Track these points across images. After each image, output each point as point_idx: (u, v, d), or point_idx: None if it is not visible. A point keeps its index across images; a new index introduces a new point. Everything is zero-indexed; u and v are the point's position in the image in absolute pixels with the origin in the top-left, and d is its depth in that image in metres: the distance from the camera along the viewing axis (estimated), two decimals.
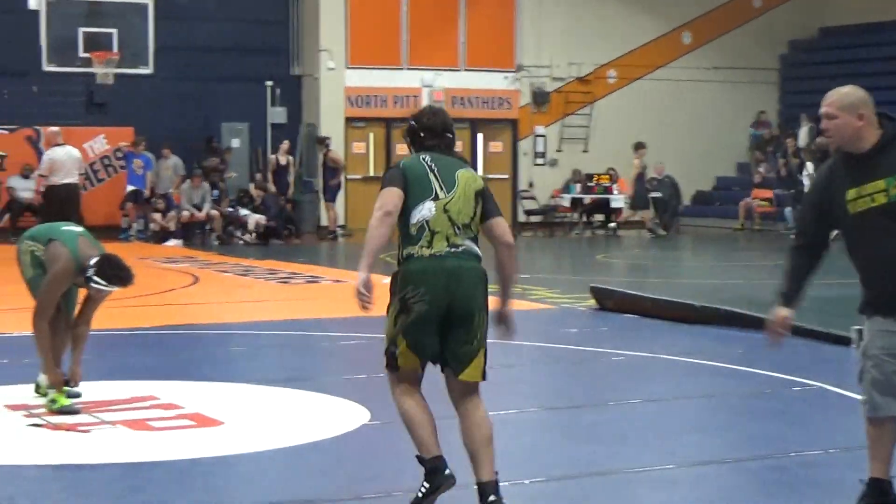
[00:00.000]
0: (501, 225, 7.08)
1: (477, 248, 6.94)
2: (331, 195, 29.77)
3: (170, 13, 29.84)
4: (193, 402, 9.65)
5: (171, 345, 13.15)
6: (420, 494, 6.86)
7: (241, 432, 8.71)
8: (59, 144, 25.05)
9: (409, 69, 32.67)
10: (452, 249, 6.84)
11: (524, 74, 33.74)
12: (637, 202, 31.49)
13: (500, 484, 6.80)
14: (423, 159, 7.01)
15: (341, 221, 30.05)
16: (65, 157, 24.93)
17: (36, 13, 27.61)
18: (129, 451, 8.18)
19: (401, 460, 7.97)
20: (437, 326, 6.83)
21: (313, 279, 19.79)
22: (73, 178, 24.87)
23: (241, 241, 27.58)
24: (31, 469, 7.74)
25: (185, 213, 28.07)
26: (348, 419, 9.11)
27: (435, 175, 6.94)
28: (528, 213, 33.02)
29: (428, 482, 6.86)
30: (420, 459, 6.91)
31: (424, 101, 32.39)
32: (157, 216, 28.43)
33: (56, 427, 8.79)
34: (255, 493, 7.20)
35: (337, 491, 7.27)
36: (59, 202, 24.53)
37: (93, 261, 9.10)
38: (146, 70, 28.39)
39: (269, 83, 31.88)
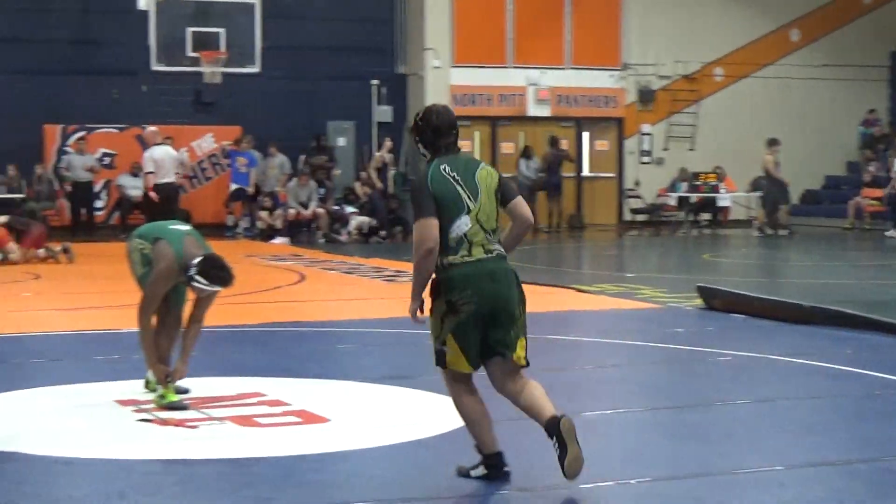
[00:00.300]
0: (522, 205, 7.48)
1: (503, 249, 7.41)
2: None
3: (277, 12, 30.09)
4: (299, 399, 9.71)
5: (278, 342, 13.25)
6: (470, 472, 7.35)
7: (347, 429, 8.76)
8: (158, 144, 25.33)
9: (514, 67, 32.65)
10: (487, 255, 7.27)
11: (630, 73, 33.61)
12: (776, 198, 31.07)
13: (606, 483, 6.77)
14: (445, 170, 7.33)
15: None
16: (164, 157, 25.24)
17: (145, 13, 27.98)
18: (237, 446, 8.25)
19: (506, 458, 7.98)
20: (482, 326, 7.26)
21: None
22: (171, 177, 25.15)
23: (341, 240, 27.68)
24: (140, 464, 7.82)
25: (292, 211, 28.26)
26: (451, 417, 9.10)
27: (461, 187, 7.30)
28: (634, 211, 32.88)
29: (487, 470, 7.32)
30: (479, 452, 7.34)
31: (530, 100, 32.43)
32: (264, 214, 28.65)
33: (165, 422, 8.89)
34: (359, 490, 7.24)
35: (439, 488, 7.29)
36: (160, 200, 24.85)
37: (196, 260, 9.19)
38: (253, 69, 28.65)
39: (375, 82, 32.03)
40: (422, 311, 7.35)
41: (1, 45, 29.46)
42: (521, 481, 7.35)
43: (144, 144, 29.31)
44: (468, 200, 7.27)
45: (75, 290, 18.05)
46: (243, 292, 15.77)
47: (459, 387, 7.40)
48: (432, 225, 7.17)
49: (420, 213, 7.23)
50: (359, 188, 29.11)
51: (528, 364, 7.41)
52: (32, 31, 29.68)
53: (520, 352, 7.34)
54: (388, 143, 30.26)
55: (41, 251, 21.97)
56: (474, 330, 7.24)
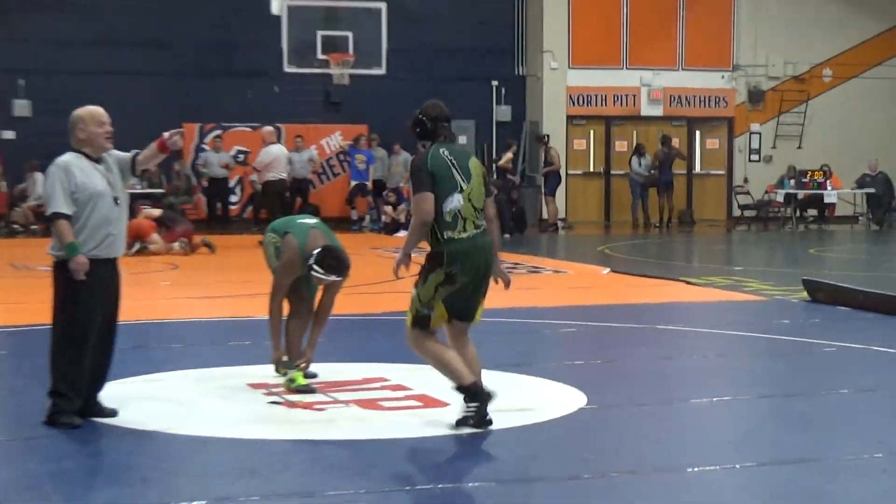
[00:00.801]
0: (491, 206, 8.44)
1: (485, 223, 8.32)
2: (549, 190, 29.78)
3: (402, 17, 30.23)
4: (420, 384, 9.76)
5: (401, 330, 13.31)
6: (470, 417, 8.07)
7: None
8: (272, 143, 25.55)
9: (628, 69, 32.53)
10: (477, 231, 8.19)
11: (740, 74, 33.32)
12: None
13: (711, 468, 6.76)
14: (444, 153, 8.22)
15: (561, 215, 30.04)
16: (279, 155, 25.46)
17: (278, 18, 28.22)
18: (361, 428, 8.33)
19: (617, 442, 7.99)
20: (465, 292, 8.19)
21: (535, 269, 19.83)
22: (283, 175, 25.35)
23: None
24: (270, 443, 7.93)
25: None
26: (567, 403, 9.14)
27: (456, 168, 8.17)
28: (743, 207, 32.56)
29: (475, 402, 8.08)
30: (460, 388, 8.12)
31: (643, 101, 32.29)
32: (388, 209, 28.79)
33: (293, 405, 9.00)
34: (479, 472, 7.29)
35: (555, 471, 7.31)
36: (273, 195, 25.14)
37: (315, 251, 9.34)
38: (379, 71, 28.78)
39: (495, 83, 32.07)
40: (404, 268, 8.29)
41: (144, 48, 29.90)
42: (628, 464, 7.36)
43: (277, 142, 29.75)
44: (461, 181, 8.15)
45: (211, 280, 18.29)
46: (368, 283, 15.90)
47: (427, 337, 8.22)
48: (428, 199, 8.05)
49: (419, 188, 8.09)
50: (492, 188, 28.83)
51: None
52: (173, 35, 30.08)
53: (477, 317, 8.41)
54: (513, 149, 30.18)
55: (176, 244, 22.24)
56: (465, 298, 8.19)
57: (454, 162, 8.19)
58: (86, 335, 8.34)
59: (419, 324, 8.17)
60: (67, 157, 8.42)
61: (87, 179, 8.34)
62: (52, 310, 8.43)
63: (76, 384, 8.34)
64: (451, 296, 8.15)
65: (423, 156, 8.20)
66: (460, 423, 8.10)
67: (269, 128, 26.37)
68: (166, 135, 8.55)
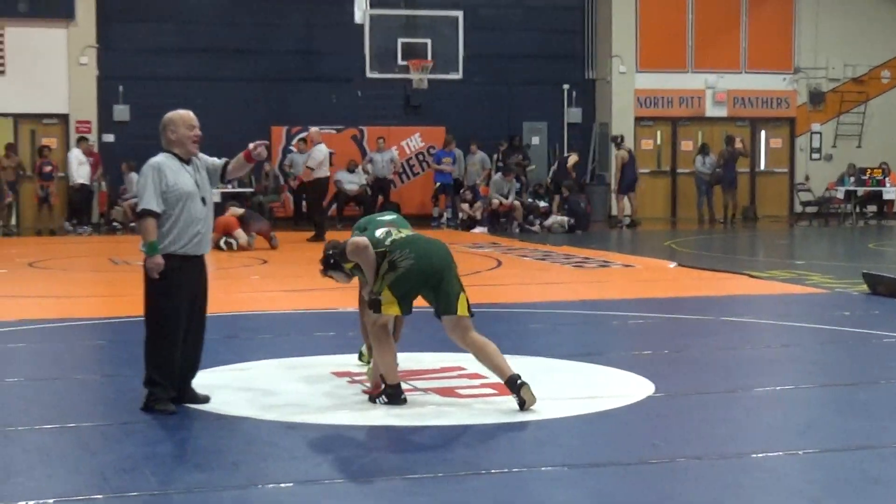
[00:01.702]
0: None
1: None
2: (623, 188, 29.62)
3: (478, 24, 30.26)
4: None
5: (477, 321, 13.28)
6: (377, 402, 8.51)
7: (539, 401, 8.75)
8: (320, 143, 25.65)
9: (693, 72, 32.34)
10: (411, 232, 8.81)
11: (801, 76, 33.01)
12: None
13: (776, 453, 6.67)
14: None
15: (628, 212, 29.88)
16: (327, 154, 25.63)
17: (361, 27, 28.31)
18: (439, 415, 8.31)
19: (684, 429, 7.91)
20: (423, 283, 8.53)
21: (605, 264, 19.75)
22: (327, 174, 25.42)
23: (534, 230, 27.61)
24: (354, 429, 7.93)
25: (495, 202, 28.21)
26: (635, 391, 9.07)
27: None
28: (804, 204, 32.27)
29: (389, 401, 8.48)
30: (385, 384, 8.52)
31: (708, 103, 32.12)
32: (465, 206, 28.77)
33: None
34: (551, 456, 7.24)
35: (624, 456, 7.25)
36: (321, 193, 25.31)
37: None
38: (456, 75, 28.77)
39: (566, 86, 32.00)
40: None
41: (235, 55, 30.09)
42: (695, 450, 7.28)
43: (360, 144, 29.87)
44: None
45: (298, 274, 18.35)
46: None
47: (383, 327, 8.52)
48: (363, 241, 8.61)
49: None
50: (564, 190, 28.66)
51: (472, 314, 8.65)
52: (262, 43, 30.25)
53: (462, 309, 8.53)
54: (575, 155, 30.06)
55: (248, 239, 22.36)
56: (413, 282, 8.42)
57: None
58: (176, 327, 8.40)
59: (372, 306, 8.46)
60: (160, 158, 8.47)
61: (177, 179, 8.38)
62: (145, 303, 8.49)
63: (169, 373, 8.39)
64: (405, 285, 8.41)
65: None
66: (370, 398, 8.67)
67: (315, 128, 26.42)
68: (251, 146, 8.62)
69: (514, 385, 8.34)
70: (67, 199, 28.28)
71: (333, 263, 8.96)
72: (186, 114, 8.58)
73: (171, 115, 8.57)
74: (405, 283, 8.43)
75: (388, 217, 9.77)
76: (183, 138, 8.48)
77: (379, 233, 8.68)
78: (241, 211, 23.08)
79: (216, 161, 8.72)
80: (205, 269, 8.63)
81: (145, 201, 8.35)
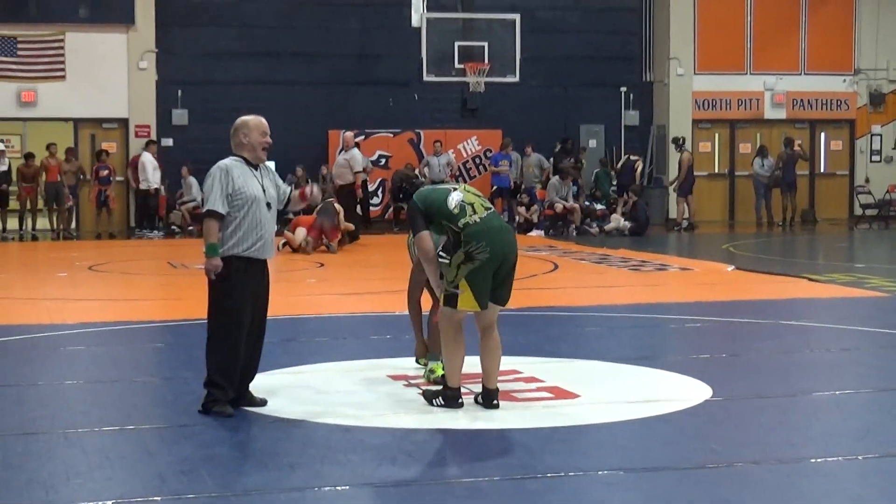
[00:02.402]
0: None
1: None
2: (682, 191, 29.50)
3: (535, 26, 30.26)
4: (552, 377, 9.74)
5: (533, 324, 13.30)
6: (434, 403, 8.53)
7: (595, 404, 8.75)
8: (351, 147, 25.80)
9: (752, 74, 32.18)
10: (488, 212, 8.51)
11: (862, 77, 32.74)
12: None
13: (834, 459, 6.63)
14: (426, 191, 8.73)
15: (686, 214, 29.74)
16: (338, 160, 25.73)
17: (418, 30, 28.40)
18: (496, 418, 8.32)
19: (741, 433, 7.87)
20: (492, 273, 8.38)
21: (662, 267, 19.68)
22: (343, 181, 25.54)
23: (592, 233, 27.54)
24: (409, 432, 7.94)
25: (559, 206, 28.07)
26: (692, 395, 9.04)
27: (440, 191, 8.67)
28: (864, 206, 31.99)
29: (446, 402, 8.48)
30: (444, 385, 8.54)
31: (767, 104, 31.94)
32: (521, 209, 28.75)
33: None
34: (608, 460, 7.23)
35: (681, 460, 7.23)
36: (353, 196, 25.46)
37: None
38: (513, 78, 28.79)
39: (624, 89, 31.91)
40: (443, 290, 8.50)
41: (293, 59, 30.23)
42: (753, 454, 7.25)
43: (417, 147, 29.94)
44: (451, 189, 8.59)
45: (355, 277, 18.42)
46: None
47: (453, 319, 8.43)
48: (425, 237, 8.48)
49: (416, 229, 8.48)
50: (631, 195, 28.50)
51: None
52: (320, 47, 30.37)
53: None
54: (639, 161, 30.01)
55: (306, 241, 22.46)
56: (492, 280, 8.35)
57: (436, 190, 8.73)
58: (239, 329, 8.46)
59: (448, 302, 8.40)
60: (229, 161, 8.55)
61: (244, 184, 8.47)
62: (208, 306, 8.55)
63: (229, 375, 8.45)
64: (482, 279, 8.33)
65: (413, 202, 8.63)
66: (426, 396, 8.73)
67: (350, 133, 26.47)
68: (307, 189, 8.84)
69: (491, 395, 8.54)
70: (136, 204, 28.53)
71: (403, 196, 8.93)
72: (261, 120, 8.67)
73: (245, 119, 8.67)
74: (481, 275, 8.35)
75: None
76: (255, 143, 8.56)
77: (453, 204, 8.44)
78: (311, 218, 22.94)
79: (285, 187, 8.89)
80: (267, 274, 8.70)
81: (211, 202, 8.43)
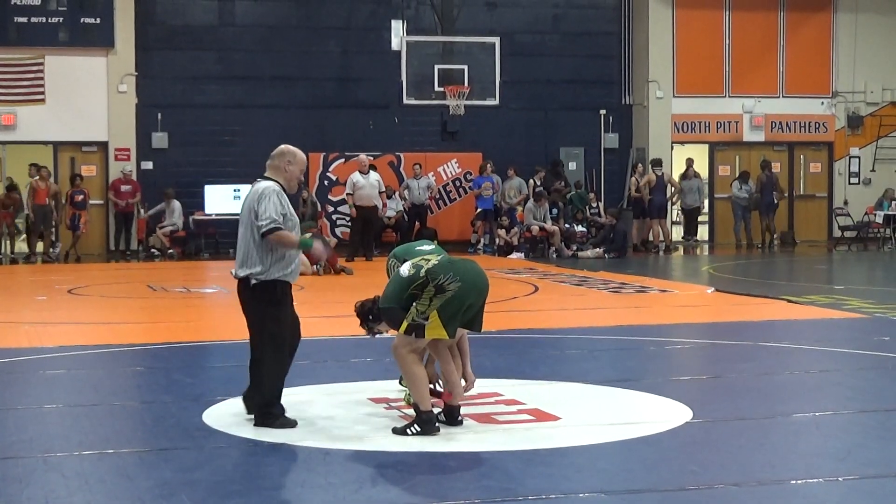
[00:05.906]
0: None
1: None
2: (653, 212, 29.61)
3: (514, 50, 30.37)
4: (533, 399, 9.73)
5: (514, 347, 13.30)
6: (410, 433, 8.36)
7: (576, 427, 8.74)
8: (363, 172, 25.86)
9: (731, 97, 32.31)
10: (444, 253, 8.94)
11: (840, 100, 32.90)
12: None
13: (815, 480, 6.63)
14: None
15: (661, 238, 29.79)
16: (364, 183, 25.74)
17: (398, 53, 28.46)
18: (477, 441, 8.30)
19: (722, 455, 7.87)
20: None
21: (642, 289, 19.70)
22: (370, 203, 25.53)
23: (570, 255, 27.56)
24: (390, 455, 7.93)
25: (535, 228, 28.14)
26: (673, 417, 9.04)
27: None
28: (843, 228, 32.13)
29: (422, 428, 8.37)
30: (417, 410, 8.44)
31: (745, 127, 32.07)
32: (502, 232, 28.78)
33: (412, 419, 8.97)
34: (589, 482, 7.22)
35: (662, 483, 7.22)
36: (361, 221, 25.47)
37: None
38: (493, 101, 28.85)
39: (603, 112, 32.00)
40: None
41: (273, 82, 30.22)
42: (734, 476, 7.24)
43: (397, 170, 29.94)
44: (399, 267, 8.84)
45: (335, 300, 18.38)
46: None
47: (412, 347, 8.45)
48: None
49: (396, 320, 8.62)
50: (605, 219, 28.59)
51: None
52: (300, 70, 30.37)
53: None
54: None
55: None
56: (467, 311, 8.49)
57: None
58: (286, 350, 8.84)
59: (413, 331, 8.41)
60: (275, 185, 8.80)
61: (288, 208, 8.77)
62: (255, 326, 8.82)
63: (281, 391, 8.81)
64: (455, 308, 8.40)
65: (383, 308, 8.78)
66: (397, 431, 8.49)
67: (363, 157, 26.60)
68: (314, 248, 8.95)
69: (454, 412, 8.68)
70: (115, 226, 28.56)
71: (373, 316, 9.02)
72: (304, 157, 9.02)
73: (292, 149, 8.97)
74: (455, 305, 8.42)
75: (428, 247, 9.73)
76: (294, 174, 8.88)
77: (405, 271, 8.61)
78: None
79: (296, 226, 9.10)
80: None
81: (273, 220, 8.60)
